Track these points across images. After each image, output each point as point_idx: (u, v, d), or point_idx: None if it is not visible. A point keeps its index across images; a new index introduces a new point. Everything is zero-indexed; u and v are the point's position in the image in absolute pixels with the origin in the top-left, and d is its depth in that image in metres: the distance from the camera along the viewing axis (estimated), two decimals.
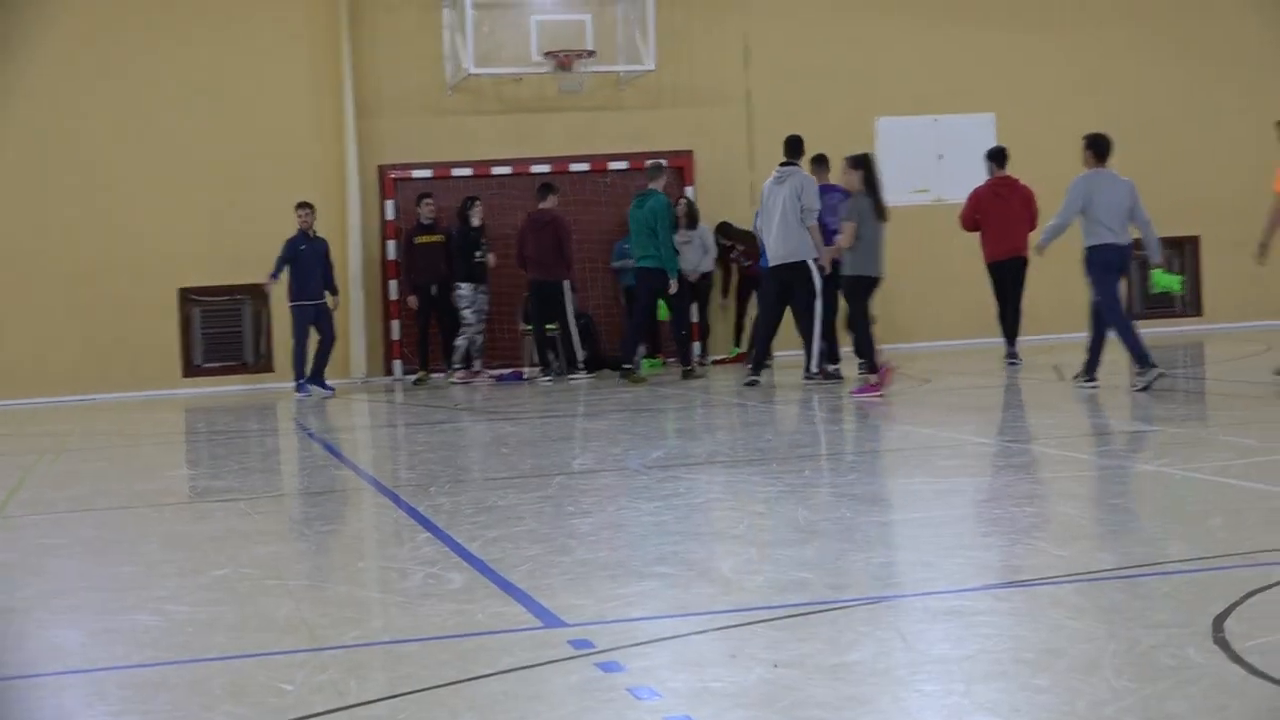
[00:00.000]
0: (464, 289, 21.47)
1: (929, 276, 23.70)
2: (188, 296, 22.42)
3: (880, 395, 16.02)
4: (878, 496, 9.97)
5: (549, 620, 6.64)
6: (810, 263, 17.42)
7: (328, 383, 20.90)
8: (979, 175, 20.17)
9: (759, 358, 18.18)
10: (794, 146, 18.07)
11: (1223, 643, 5.68)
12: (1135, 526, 8.34)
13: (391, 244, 22.53)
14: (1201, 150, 24.70)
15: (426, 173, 22.68)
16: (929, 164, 23.97)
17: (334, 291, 20.89)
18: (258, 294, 22.12)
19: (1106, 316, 15.65)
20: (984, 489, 10.18)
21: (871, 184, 16.56)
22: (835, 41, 24.01)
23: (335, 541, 9.38)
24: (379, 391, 20.74)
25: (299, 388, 20.72)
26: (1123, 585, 6.84)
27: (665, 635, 6.33)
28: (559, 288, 20.83)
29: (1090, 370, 15.91)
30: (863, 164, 16.55)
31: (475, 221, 21.48)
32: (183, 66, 22.39)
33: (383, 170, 22.70)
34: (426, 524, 9.35)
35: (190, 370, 22.55)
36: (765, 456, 12.13)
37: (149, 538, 9.66)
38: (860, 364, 17.22)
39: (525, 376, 21.85)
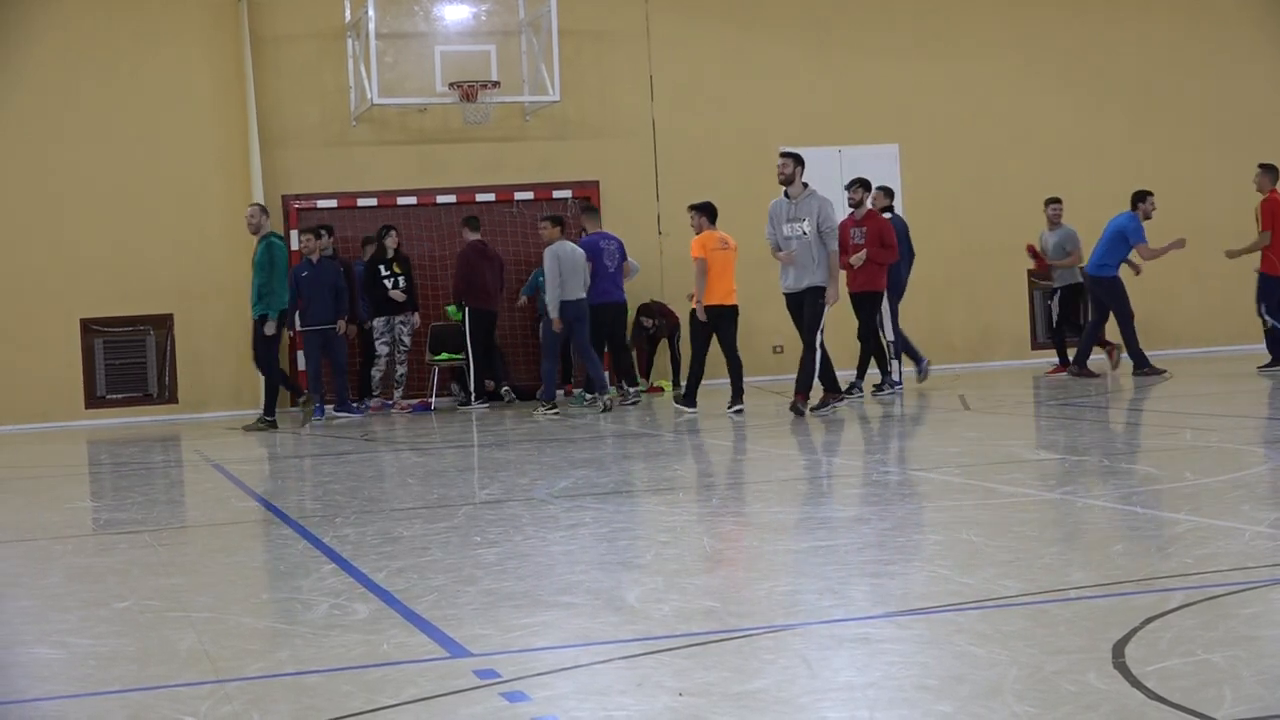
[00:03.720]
0: (376, 322, 21.58)
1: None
2: (89, 327, 22.22)
3: None
4: (783, 525, 10.00)
5: (454, 650, 6.63)
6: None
7: (355, 405, 21.34)
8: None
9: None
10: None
11: (1123, 668, 5.74)
12: (1038, 554, 8.40)
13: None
14: (1091, 179, 24.86)
15: (331, 203, 22.60)
16: (834, 196, 24.09)
17: (347, 318, 21.12)
18: (161, 324, 21.97)
19: (545, 350, 19.66)
20: (888, 517, 10.23)
21: None
22: (738, 72, 24.12)
23: (239, 573, 9.31)
24: (287, 421, 20.61)
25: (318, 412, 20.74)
26: (1025, 612, 6.89)
27: (570, 665, 6.33)
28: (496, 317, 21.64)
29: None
30: None
31: (389, 253, 21.49)
32: (84, 98, 22.26)
33: (286, 200, 22.59)
34: (332, 555, 9.31)
35: (93, 402, 22.34)
36: (672, 486, 12.14)
37: (51, 571, 9.56)
38: None
39: (433, 407, 21.80)
